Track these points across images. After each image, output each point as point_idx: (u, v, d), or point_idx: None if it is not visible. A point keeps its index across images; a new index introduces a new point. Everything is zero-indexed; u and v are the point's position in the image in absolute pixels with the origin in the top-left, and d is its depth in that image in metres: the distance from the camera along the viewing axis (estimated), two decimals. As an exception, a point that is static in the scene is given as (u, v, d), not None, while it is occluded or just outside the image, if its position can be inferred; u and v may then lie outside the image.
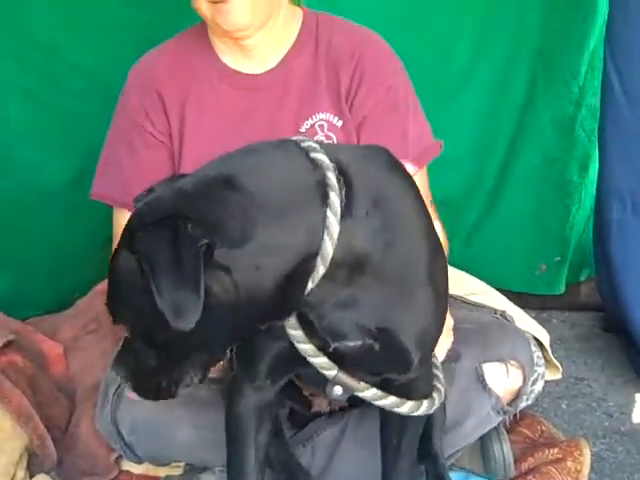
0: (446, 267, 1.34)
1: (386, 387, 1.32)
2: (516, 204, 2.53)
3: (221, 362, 1.31)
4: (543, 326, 1.93)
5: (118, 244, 1.15)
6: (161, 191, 1.18)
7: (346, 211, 1.15)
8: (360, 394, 1.29)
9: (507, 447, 1.74)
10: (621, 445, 1.99)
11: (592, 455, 1.81)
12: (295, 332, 1.22)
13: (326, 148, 1.20)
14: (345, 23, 1.78)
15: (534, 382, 1.74)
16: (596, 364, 2.33)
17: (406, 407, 1.31)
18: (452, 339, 1.61)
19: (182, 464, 1.76)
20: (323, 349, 1.24)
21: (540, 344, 1.83)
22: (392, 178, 1.24)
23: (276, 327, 1.22)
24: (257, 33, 1.65)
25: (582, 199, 2.50)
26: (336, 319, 1.21)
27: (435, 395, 1.37)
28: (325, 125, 1.71)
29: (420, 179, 1.72)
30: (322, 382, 1.30)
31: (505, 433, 1.77)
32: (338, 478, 1.68)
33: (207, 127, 1.71)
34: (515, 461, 1.75)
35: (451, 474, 1.67)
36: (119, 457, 1.79)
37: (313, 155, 1.18)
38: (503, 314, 1.87)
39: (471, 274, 2.09)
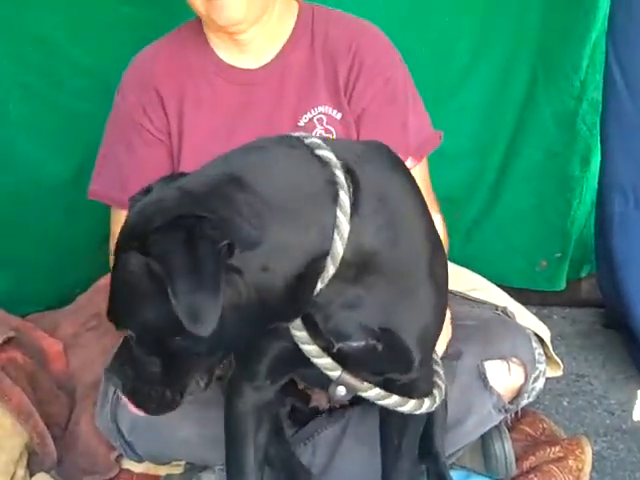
0: (446, 264, 1.33)
1: (388, 387, 1.31)
2: (517, 199, 2.52)
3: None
4: (544, 322, 1.92)
5: (122, 246, 1.12)
6: (162, 191, 1.15)
7: (354, 210, 1.14)
8: (364, 394, 1.28)
9: (508, 445, 1.73)
10: (622, 443, 1.99)
11: (593, 453, 1.81)
12: (300, 333, 1.21)
13: (330, 144, 1.19)
14: (342, 15, 1.77)
15: (535, 379, 1.74)
16: (597, 360, 2.32)
17: (408, 406, 1.31)
18: (450, 333, 1.61)
19: (182, 463, 1.75)
20: (327, 350, 1.23)
21: (541, 340, 1.83)
22: (395, 176, 1.24)
23: (279, 328, 1.21)
24: (252, 28, 1.64)
25: (583, 194, 2.50)
26: (341, 320, 1.20)
27: (436, 392, 1.37)
28: (324, 118, 1.70)
29: (421, 170, 1.72)
30: (324, 382, 1.30)
31: (507, 431, 1.77)
32: (339, 476, 1.67)
33: (205, 123, 1.70)
34: (516, 459, 1.75)
35: (452, 473, 1.67)
36: (119, 455, 1.78)
37: (319, 152, 1.16)
38: (504, 310, 1.87)
39: (471, 270, 2.08)
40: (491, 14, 2.37)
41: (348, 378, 1.26)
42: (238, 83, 1.71)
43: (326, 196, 1.13)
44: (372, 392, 1.28)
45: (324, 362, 1.23)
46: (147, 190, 1.19)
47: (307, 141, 1.19)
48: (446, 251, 1.44)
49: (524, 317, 1.91)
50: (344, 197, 1.13)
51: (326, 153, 1.16)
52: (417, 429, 1.47)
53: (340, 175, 1.14)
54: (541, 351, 1.79)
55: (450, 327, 1.61)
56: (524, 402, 1.74)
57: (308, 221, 1.12)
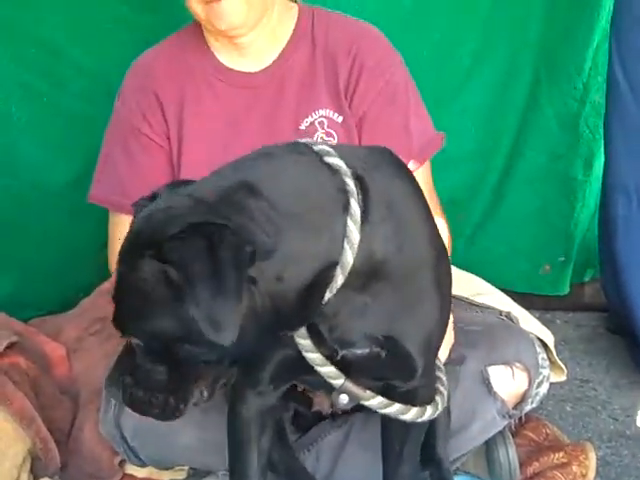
0: (450, 271, 1.33)
1: (389, 393, 1.31)
2: (520, 202, 2.52)
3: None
4: (547, 327, 1.92)
5: (132, 253, 1.10)
6: (171, 198, 1.14)
7: (363, 218, 1.13)
8: (366, 403, 1.28)
9: (512, 451, 1.73)
10: (626, 449, 1.98)
11: (597, 459, 1.81)
12: (304, 341, 1.21)
13: (337, 151, 1.18)
14: (342, 17, 1.77)
15: (539, 385, 1.73)
16: (601, 365, 2.32)
17: (411, 414, 1.30)
18: (453, 339, 1.60)
19: (186, 468, 1.76)
20: (330, 357, 1.22)
21: (545, 345, 1.82)
22: (401, 183, 1.23)
23: (284, 335, 1.20)
24: (252, 32, 1.65)
25: (586, 197, 2.50)
26: (347, 328, 1.20)
27: (438, 399, 1.37)
28: (325, 122, 1.70)
29: (423, 173, 1.71)
30: (327, 388, 1.29)
31: (510, 437, 1.76)
32: (343, 482, 1.67)
33: (205, 127, 1.71)
34: (520, 465, 1.75)
35: (456, 478, 1.67)
36: (123, 461, 1.78)
37: (329, 160, 1.16)
38: (508, 315, 1.86)
39: (475, 274, 2.08)
40: (493, 16, 2.37)
41: (351, 386, 1.26)
42: (238, 86, 1.71)
43: (337, 205, 1.13)
44: (374, 401, 1.28)
45: (327, 370, 1.23)
46: (152, 197, 1.18)
47: (316, 148, 1.18)
48: (449, 254, 1.44)
49: (528, 322, 1.90)
50: (355, 206, 1.12)
51: (336, 161, 1.15)
52: (419, 435, 1.46)
53: (351, 183, 1.14)
54: (545, 356, 1.79)
55: (453, 333, 1.61)
56: (528, 407, 1.74)
57: (320, 230, 1.11)
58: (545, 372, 1.75)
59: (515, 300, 2.00)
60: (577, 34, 2.35)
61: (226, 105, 1.72)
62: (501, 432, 1.74)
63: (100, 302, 2.22)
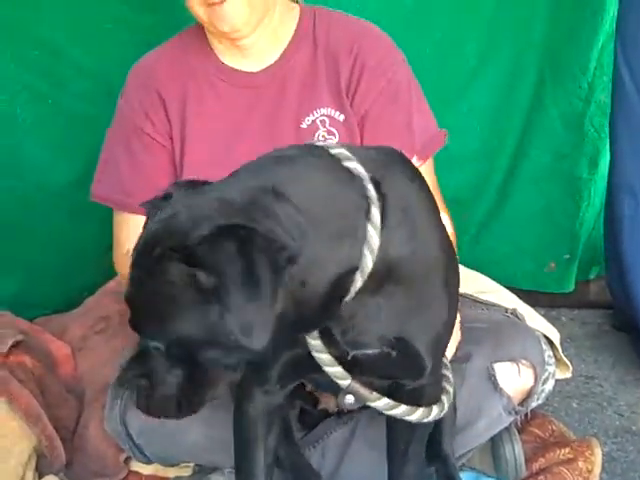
0: (458, 271, 1.33)
1: (396, 392, 1.31)
2: (525, 201, 2.52)
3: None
4: (553, 324, 1.92)
5: (152, 255, 1.06)
6: (191, 198, 1.11)
7: (382, 223, 1.13)
8: (372, 404, 1.27)
9: (518, 448, 1.73)
10: (632, 445, 1.98)
11: (603, 455, 1.80)
12: (314, 342, 1.20)
13: (355, 154, 1.17)
14: (343, 17, 1.78)
15: (545, 381, 1.73)
16: (606, 362, 2.32)
17: (417, 415, 1.30)
18: (460, 337, 1.60)
19: (191, 465, 1.75)
20: (341, 357, 1.22)
21: (550, 342, 1.82)
22: (414, 187, 1.23)
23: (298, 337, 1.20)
24: (253, 33, 1.66)
25: (592, 196, 2.49)
26: (360, 330, 1.19)
27: (444, 398, 1.36)
28: (327, 120, 1.71)
29: (427, 169, 1.72)
30: (334, 388, 1.29)
31: (516, 433, 1.76)
32: (348, 479, 1.67)
33: (208, 127, 1.71)
34: (526, 461, 1.74)
35: (462, 475, 1.67)
36: (128, 458, 1.78)
37: (348, 165, 1.15)
38: (514, 312, 1.86)
39: (480, 272, 2.07)
40: (498, 16, 2.37)
41: (357, 387, 1.25)
42: (240, 86, 1.72)
43: (359, 210, 1.12)
44: (381, 402, 1.27)
45: (335, 371, 1.23)
46: (165, 196, 1.16)
47: (333, 151, 1.17)
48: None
49: (533, 319, 1.90)
50: (376, 212, 1.12)
51: (354, 165, 1.15)
52: (424, 434, 1.46)
53: (371, 189, 1.13)
54: (550, 353, 1.79)
55: (459, 331, 1.61)
56: (534, 404, 1.73)
57: (342, 235, 1.11)
58: (551, 369, 1.75)
59: (520, 298, 2.00)
60: (582, 34, 2.35)
61: (228, 105, 1.72)
62: (507, 428, 1.73)
63: (105, 301, 2.23)
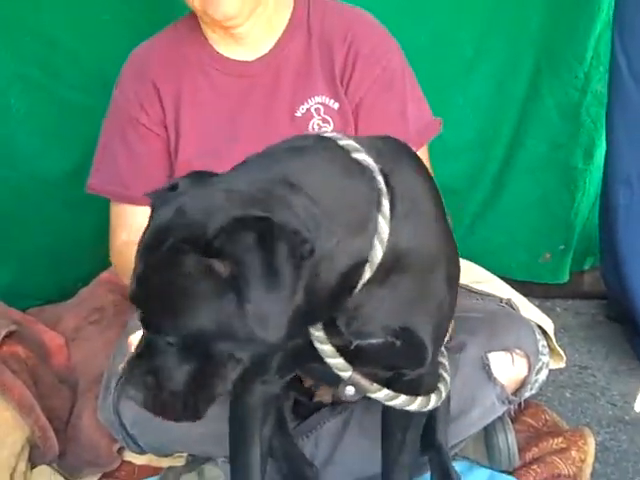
0: (459, 263, 1.33)
1: (395, 382, 1.31)
2: (520, 191, 2.51)
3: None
4: (547, 314, 1.92)
5: (163, 248, 1.04)
6: (201, 190, 1.09)
7: (391, 214, 1.13)
8: (372, 395, 1.27)
9: (512, 437, 1.73)
10: (625, 434, 1.98)
11: (596, 444, 1.81)
12: (317, 333, 1.20)
13: (362, 146, 1.16)
14: (337, 5, 1.78)
15: (539, 371, 1.73)
16: (600, 352, 2.32)
17: (416, 404, 1.30)
18: (452, 323, 1.60)
19: (185, 455, 1.75)
20: (343, 347, 1.21)
21: (544, 332, 1.82)
22: (420, 178, 1.23)
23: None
24: (247, 21, 1.65)
25: (587, 186, 2.49)
26: (365, 320, 1.19)
27: (441, 386, 1.37)
28: (321, 108, 1.70)
29: (421, 157, 1.70)
30: (333, 379, 1.28)
31: (510, 423, 1.76)
32: (342, 469, 1.67)
33: (202, 115, 1.71)
34: (519, 450, 1.74)
35: (455, 464, 1.67)
36: (121, 448, 1.78)
37: (357, 156, 1.14)
38: (509, 302, 1.86)
39: (475, 263, 2.07)
40: (494, 6, 2.36)
41: (358, 378, 1.25)
42: (235, 75, 1.72)
43: (369, 202, 1.12)
44: (381, 393, 1.27)
45: (337, 362, 1.22)
46: (171, 187, 1.14)
47: (341, 143, 1.16)
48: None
49: (527, 309, 1.90)
50: (386, 204, 1.12)
51: (363, 157, 1.14)
52: (420, 422, 1.46)
53: (381, 181, 1.13)
54: (544, 343, 1.78)
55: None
56: (527, 394, 1.73)
57: (353, 226, 1.10)
58: (545, 359, 1.75)
59: (515, 288, 2.00)
60: (578, 23, 2.34)
61: (222, 94, 1.72)
62: (500, 418, 1.73)
63: (99, 292, 2.23)
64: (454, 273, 1.29)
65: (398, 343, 1.23)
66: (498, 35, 2.38)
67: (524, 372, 1.70)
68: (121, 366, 1.66)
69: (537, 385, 1.75)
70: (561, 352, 1.90)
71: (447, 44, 2.36)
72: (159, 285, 1.05)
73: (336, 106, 1.70)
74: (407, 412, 1.32)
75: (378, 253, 1.11)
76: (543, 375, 1.74)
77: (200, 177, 1.14)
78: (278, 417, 1.55)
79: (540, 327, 1.81)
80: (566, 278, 2.54)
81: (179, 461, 1.75)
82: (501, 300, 1.87)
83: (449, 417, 1.64)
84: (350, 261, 1.10)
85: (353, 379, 1.24)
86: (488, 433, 1.74)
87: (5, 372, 1.81)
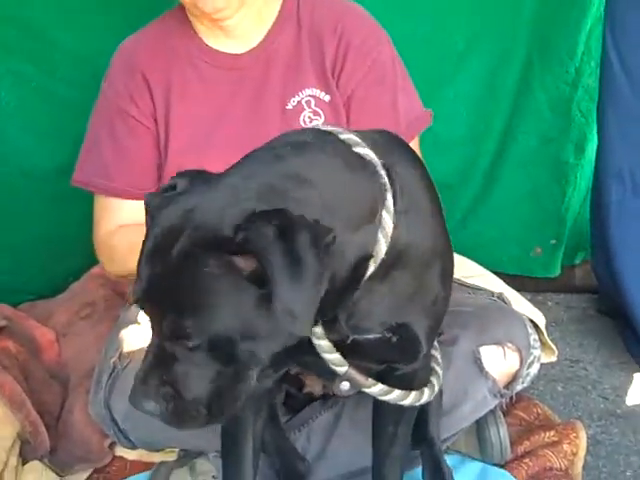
0: (453, 257, 1.33)
1: (388, 376, 1.31)
2: (512, 186, 2.51)
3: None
4: (538, 308, 1.92)
5: (176, 249, 1.02)
6: (207, 188, 1.07)
7: (393, 209, 1.13)
8: (367, 390, 1.27)
9: (503, 431, 1.73)
10: (617, 427, 1.99)
11: (588, 438, 1.81)
12: (316, 328, 1.19)
13: (363, 140, 1.15)
14: None
15: (530, 365, 1.73)
16: (591, 346, 2.32)
17: (409, 399, 1.30)
18: None
19: (176, 450, 1.75)
20: (341, 342, 1.20)
21: (536, 326, 1.83)
22: (418, 173, 1.23)
23: None
24: (237, 13, 1.65)
25: (578, 180, 2.49)
26: (364, 315, 1.19)
27: (434, 380, 1.37)
28: (312, 101, 1.70)
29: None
30: (327, 372, 1.27)
31: (502, 416, 1.76)
32: (334, 462, 1.67)
33: (192, 108, 1.71)
34: (511, 444, 1.74)
35: (447, 458, 1.67)
36: (113, 443, 1.78)
37: (359, 150, 1.14)
38: (500, 296, 1.86)
39: (466, 257, 2.07)
40: (486, 0, 2.35)
41: (354, 374, 1.24)
42: (224, 68, 1.71)
43: (373, 196, 1.12)
44: (375, 388, 1.27)
45: (333, 358, 1.22)
46: (170, 187, 1.11)
47: (342, 137, 1.15)
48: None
49: (519, 303, 1.90)
50: (390, 199, 1.12)
51: (366, 151, 1.14)
52: (412, 416, 1.46)
53: (385, 176, 1.13)
54: (536, 337, 1.79)
55: None
56: (519, 387, 1.74)
57: (360, 221, 1.10)
58: (536, 352, 1.75)
59: (506, 282, 2.00)
60: (570, 18, 2.34)
61: (212, 87, 1.72)
62: (492, 411, 1.73)
63: (90, 286, 2.23)
64: (449, 268, 1.30)
65: (394, 338, 1.23)
66: (490, 29, 2.38)
67: (516, 366, 1.70)
68: (112, 360, 1.69)
69: (529, 379, 1.75)
70: (552, 346, 1.90)
71: (438, 38, 2.35)
72: (178, 288, 1.02)
73: (327, 98, 1.70)
74: (399, 406, 1.32)
75: (382, 248, 1.11)
76: (535, 369, 1.75)
77: (197, 176, 1.12)
78: (270, 411, 1.55)
79: (532, 321, 1.82)
80: (557, 272, 2.54)
81: (171, 456, 1.75)
82: (493, 294, 1.87)
83: (441, 411, 1.64)
84: (357, 255, 1.09)
85: (349, 374, 1.24)
86: (480, 427, 1.75)
87: (-4, 368, 1.81)
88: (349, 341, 1.21)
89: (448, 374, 1.58)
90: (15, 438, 1.75)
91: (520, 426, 1.85)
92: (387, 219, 1.11)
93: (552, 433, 1.79)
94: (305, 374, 1.58)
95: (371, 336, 1.22)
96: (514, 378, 1.71)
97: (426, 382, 1.35)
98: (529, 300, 1.98)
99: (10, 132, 2.25)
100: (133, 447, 1.73)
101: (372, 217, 1.11)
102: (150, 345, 1.09)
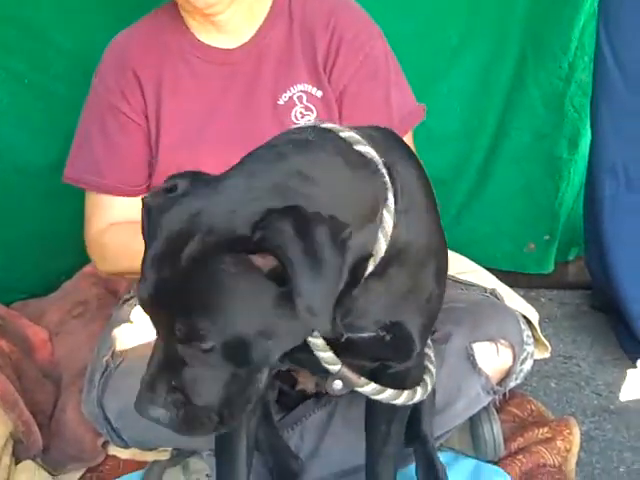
0: (447, 255, 1.33)
1: (380, 375, 1.31)
2: (505, 182, 2.52)
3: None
4: (532, 304, 1.93)
5: (179, 252, 1.00)
6: (213, 189, 1.05)
7: (394, 207, 1.12)
8: (360, 389, 1.27)
9: (497, 427, 1.73)
10: (610, 423, 1.99)
11: (581, 434, 1.81)
12: None
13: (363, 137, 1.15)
14: None
15: (523, 361, 1.73)
16: (585, 342, 2.33)
17: (402, 398, 1.30)
18: None
19: (169, 449, 1.74)
20: (333, 339, 1.20)
21: (529, 323, 1.83)
22: (415, 171, 1.23)
23: None
24: (228, 9, 1.64)
25: (571, 176, 2.49)
26: (360, 314, 1.18)
27: (427, 378, 1.37)
28: (304, 96, 1.70)
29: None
30: (321, 371, 1.27)
31: (495, 413, 1.76)
32: (327, 460, 1.66)
33: (184, 104, 1.70)
34: (505, 441, 1.74)
35: (440, 455, 1.67)
36: (106, 442, 1.77)
37: (359, 148, 1.13)
38: (493, 292, 1.86)
39: (460, 253, 2.07)
40: (480, -5, 2.35)
41: (347, 372, 1.24)
42: (216, 63, 1.71)
43: (375, 195, 1.11)
44: (368, 387, 1.27)
45: (327, 356, 1.21)
46: (170, 188, 1.09)
47: (343, 135, 1.15)
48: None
49: (512, 299, 1.90)
50: (391, 197, 1.11)
51: (367, 149, 1.13)
52: (404, 415, 1.46)
53: (386, 174, 1.12)
54: (529, 333, 1.78)
55: None
56: (512, 384, 1.73)
57: (362, 219, 1.09)
58: (529, 349, 1.75)
59: (500, 278, 2.00)
60: (563, 13, 2.33)
61: (204, 82, 1.71)
62: (485, 408, 1.73)
63: (82, 285, 2.22)
64: (443, 266, 1.30)
65: (388, 337, 1.23)
66: (483, 25, 2.38)
67: (509, 362, 1.70)
68: (105, 359, 1.68)
69: (522, 375, 1.75)
70: (546, 342, 1.90)
71: (432, 33, 2.35)
72: (191, 290, 1.00)
73: (319, 94, 1.69)
74: (392, 405, 1.31)
75: (382, 247, 1.10)
76: (528, 365, 1.75)
77: (197, 177, 1.10)
78: (263, 409, 1.54)
79: (525, 317, 1.82)
80: (551, 268, 2.54)
81: (164, 455, 1.74)
82: (485, 290, 1.87)
83: (434, 408, 1.64)
84: (359, 253, 1.09)
85: (341, 373, 1.24)
86: (473, 423, 1.74)
87: (-12, 367, 1.81)
88: (343, 339, 1.20)
89: (441, 371, 1.57)
90: (8, 437, 1.74)
91: (513, 423, 1.85)
92: (388, 218, 1.11)
93: (545, 429, 1.79)
94: (298, 371, 1.58)
95: (365, 334, 1.22)
96: (507, 375, 1.71)
97: (419, 380, 1.35)
98: (522, 296, 1.98)
99: (3, 129, 2.24)
100: (126, 446, 1.73)
101: (373, 216, 1.10)
102: (155, 350, 1.06)
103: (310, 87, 1.69)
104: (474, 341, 1.67)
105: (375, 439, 1.46)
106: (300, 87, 1.69)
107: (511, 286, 1.98)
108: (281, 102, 1.69)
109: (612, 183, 2.23)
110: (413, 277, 1.20)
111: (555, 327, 2.38)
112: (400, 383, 1.31)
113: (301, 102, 1.69)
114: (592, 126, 2.27)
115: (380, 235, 1.10)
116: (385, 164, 1.13)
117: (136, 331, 1.73)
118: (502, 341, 1.70)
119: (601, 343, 2.31)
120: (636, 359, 2.18)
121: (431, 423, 1.64)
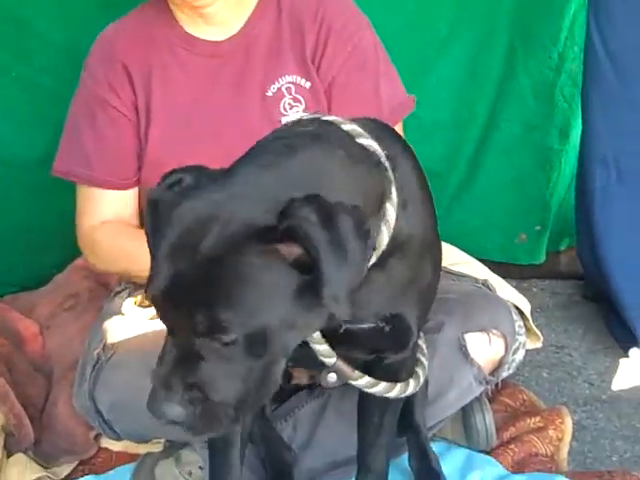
0: (441, 245, 1.33)
1: (374, 367, 1.30)
2: (496, 172, 2.51)
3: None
4: (524, 295, 1.93)
5: (198, 243, 0.98)
6: (222, 182, 1.03)
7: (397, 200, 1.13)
8: (353, 382, 1.27)
9: (489, 417, 1.73)
10: (602, 412, 2.00)
11: (573, 423, 1.82)
12: None
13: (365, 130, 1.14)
14: None
15: (515, 351, 1.73)
16: (576, 332, 2.33)
17: (395, 391, 1.30)
18: None
19: (162, 441, 1.74)
20: (331, 330, 1.19)
21: (521, 313, 1.83)
22: (413, 164, 1.23)
23: None
24: (217, 1, 1.64)
25: (563, 166, 2.49)
26: (360, 306, 1.16)
27: (419, 371, 1.37)
28: (292, 88, 1.70)
29: None
30: (315, 364, 1.26)
31: (487, 403, 1.76)
32: (320, 452, 1.67)
33: (173, 96, 1.70)
34: (497, 430, 1.75)
35: (433, 445, 1.67)
36: (98, 435, 1.77)
37: (362, 141, 1.13)
38: (485, 283, 1.87)
39: (451, 244, 2.07)
40: (468, -15, 2.35)
41: (342, 365, 1.24)
42: (205, 55, 1.71)
43: (379, 187, 1.11)
44: (362, 381, 1.27)
45: (322, 348, 1.21)
46: (175, 182, 1.07)
47: (345, 127, 1.14)
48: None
49: (504, 290, 1.91)
50: (393, 190, 1.11)
51: (370, 142, 1.13)
52: (397, 407, 1.46)
53: (389, 168, 1.12)
54: (521, 323, 1.79)
55: None
56: (504, 374, 1.74)
57: (367, 212, 1.08)
58: (521, 339, 1.75)
59: (492, 269, 2.00)
60: (553, 3, 2.33)
61: (192, 75, 1.71)
62: (478, 398, 1.74)
63: (74, 278, 2.21)
64: (438, 256, 1.30)
65: (387, 328, 1.23)
66: (472, 14, 2.37)
67: (501, 352, 1.70)
68: (96, 352, 1.68)
69: (514, 365, 1.75)
70: (538, 332, 1.91)
71: (421, 23, 2.34)
72: (211, 283, 0.98)
73: (307, 85, 1.69)
74: (385, 397, 1.31)
75: (384, 240, 1.11)
76: (520, 355, 1.75)
77: (202, 171, 1.08)
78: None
79: (517, 307, 1.82)
80: (542, 259, 2.54)
81: (156, 447, 1.74)
82: (477, 281, 1.88)
83: (427, 398, 1.64)
84: None
85: (336, 366, 1.24)
86: (466, 414, 1.75)
87: (-21, 360, 1.80)
88: (341, 330, 1.20)
89: (433, 362, 1.57)
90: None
91: (506, 412, 1.86)
92: (390, 211, 1.11)
93: (537, 419, 1.80)
94: (293, 367, 1.57)
95: (365, 325, 1.22)
96: (499, 365, 1.71)
97: (412, 373, 1.35)
98: (514, 287, 1.98)
99: (-12, 122, 2.23)
100: (118, 438, 1.73)
101: (376, 208, 1.10)
102: (166, 347, 1.03)
103: (298, 78, 1.69)
104: (466, 331, 1.67)
105: (368, 430, 1.46)
106: (289, 78, 1.69)
107: (503, 277, 1.98)
108: (269, 94, 1.69)
109: (603, 174, 2.23)
110: (412, 268, 1.21)
111: (547, 317, 2.38)
112: (393, 375, 1.31)
113: (290, 93, 1.69)
114: (583, 117, 2.27)
115: (383, 228, 1.10)
116: (388, 157, 1.13)
117: (127, 324, 1.73)
118: (494, 331, 1.70)
119: (593, 333, 2.31)
120: (628, 348, 2.19)
121: (423, 413, 1.65)
